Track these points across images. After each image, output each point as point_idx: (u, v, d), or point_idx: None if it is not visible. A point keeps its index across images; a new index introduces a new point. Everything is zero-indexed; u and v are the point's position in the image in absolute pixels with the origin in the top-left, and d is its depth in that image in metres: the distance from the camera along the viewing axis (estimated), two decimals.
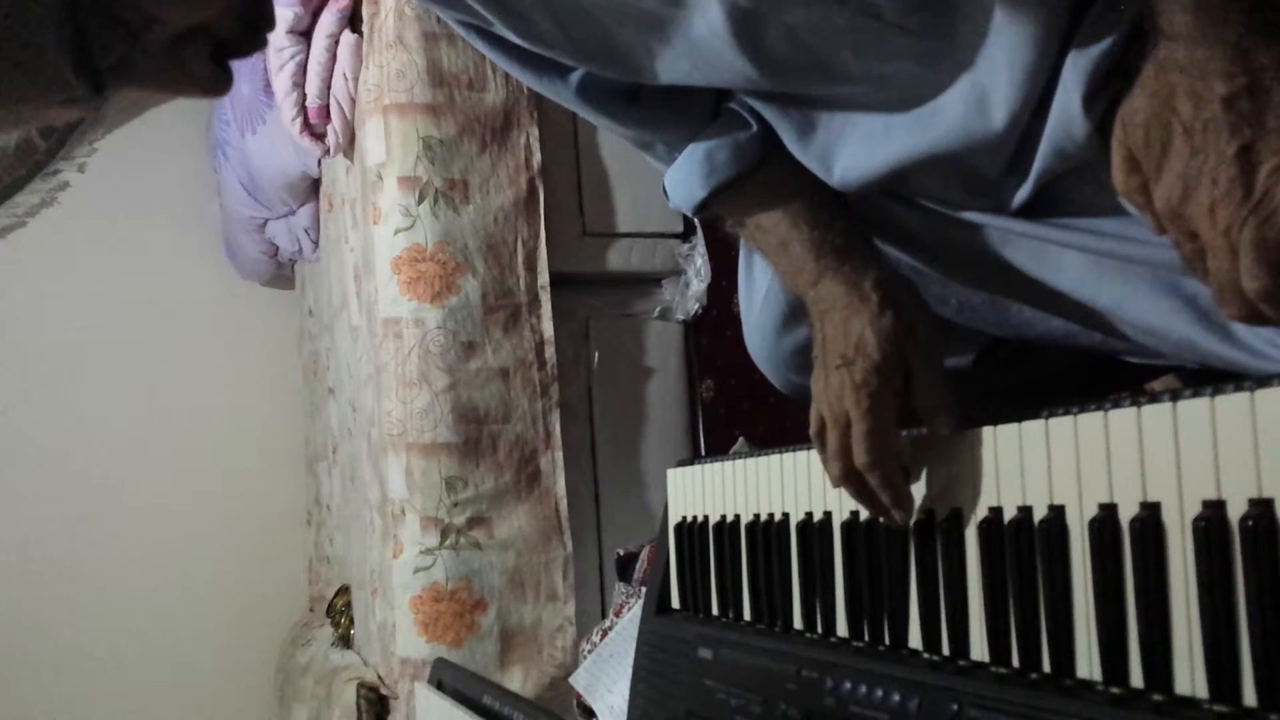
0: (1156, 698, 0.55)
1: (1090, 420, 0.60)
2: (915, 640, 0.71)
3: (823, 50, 0.69)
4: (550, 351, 1.90)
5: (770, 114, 0.79)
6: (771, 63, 0.70)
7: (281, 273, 2.98)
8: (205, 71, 0.56)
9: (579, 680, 1.46)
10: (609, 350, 2.12)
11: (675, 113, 0.83)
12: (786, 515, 0.85)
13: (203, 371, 2.99)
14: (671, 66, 0.74)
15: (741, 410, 2.06)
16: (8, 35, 0.48)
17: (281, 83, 1.98)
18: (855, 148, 0.77)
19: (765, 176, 0.81)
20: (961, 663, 0.68)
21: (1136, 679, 0.56)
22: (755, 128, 0.80)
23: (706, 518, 0.96)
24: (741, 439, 1.99)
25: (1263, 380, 0.52)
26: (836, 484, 0.75)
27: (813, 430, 0.78)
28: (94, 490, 2.86)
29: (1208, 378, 0.69)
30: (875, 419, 0.72)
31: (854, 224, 0.81)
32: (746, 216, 0.82)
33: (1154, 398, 0.57)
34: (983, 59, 0.66)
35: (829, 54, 0.69)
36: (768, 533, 0.87)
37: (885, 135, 0.74)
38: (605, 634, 1.50)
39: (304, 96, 1.98)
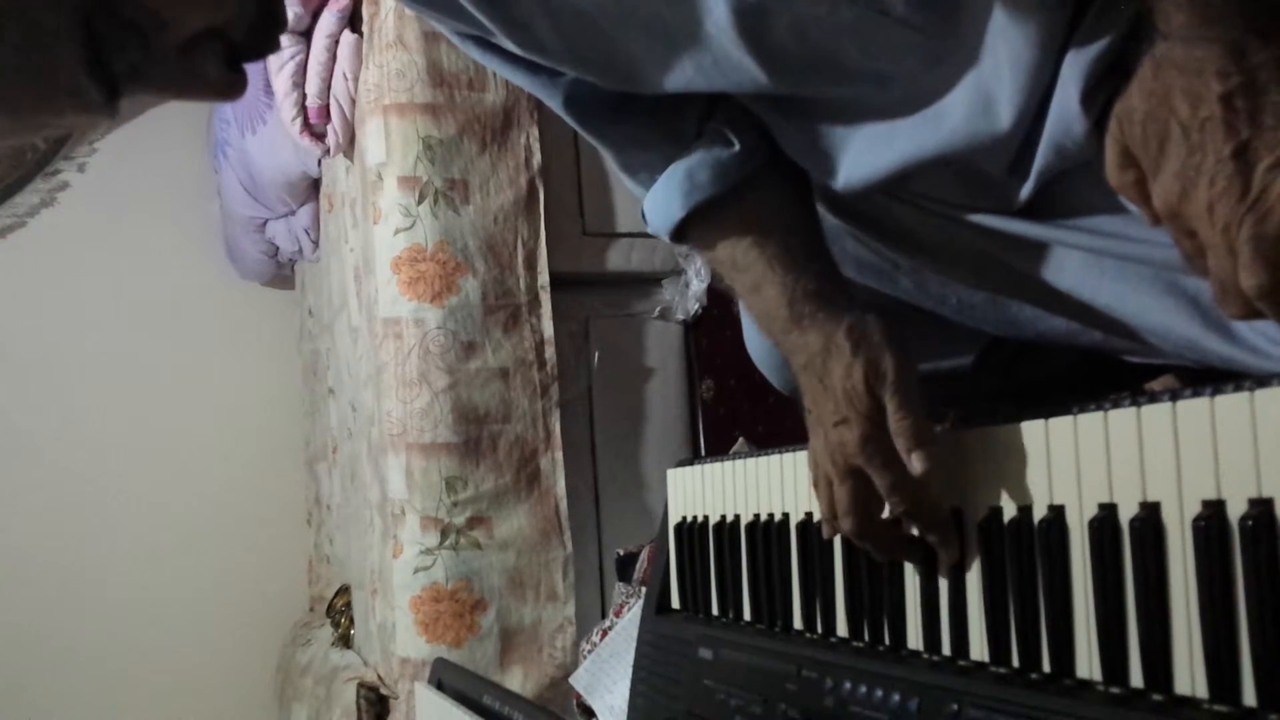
0: (1156, 698, 0.55)
1: (1090, 420, 0.60)
2: (915, 640, 0.71)
3: (829, 46, 0.69)
4: (550, 351, 1.90)
5: (772, 119, 0.79)
6: (777, 60, 0.70)
7: (281, 273, 2.98)
8: (218, 75, 0.56)
9: (579, 680, 1.46)
10: (609, 350, 2.12)
11: (658, 130, 0.82)
12: (786, 515, 0.85)
13: (203, 371, 2.99)
14: (674, 72, 0.73)
15: (741, 410, 2.06)
16: (21, 44, 0.48)
17: (281, 83, 1.98)
18: (859, 150, 0.76)
19: (745, 205, 0.80)
20: (961, 663, 0.68)
21: (1136, 679, 0.56)
22: (738, 147, 0.80)
23: (706, 518, 0.96)
24: (741, 439, 1.99)
25: (1263, 380, 0.52)
26: (849, 536, 0.73)
27: (812, 480, 0.76)
28: (93, 490, 2.86)
29: (1207, 377, 0.69)
30: (895, 468, 0.68)
31: (829, 266, 0.79)
32: (721, 247, 0.81)
33: (1154, 398, 0.57)
34: (987, 59, 0.66)
35: (835, 51, 0.69)
36: (768, 533, 0.87)
37: (889, 137, 0.74)
38: (605, 634, 1.50)
39: (304, 96, 1.98)
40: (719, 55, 0.70)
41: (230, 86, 0.57)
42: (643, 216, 0.85)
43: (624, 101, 0.81)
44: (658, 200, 0.82)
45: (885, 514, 0.71)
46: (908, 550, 0.71)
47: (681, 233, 0.82)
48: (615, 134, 0.83)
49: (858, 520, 0.71)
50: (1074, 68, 0.63)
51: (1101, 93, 0.63)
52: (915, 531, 0.70)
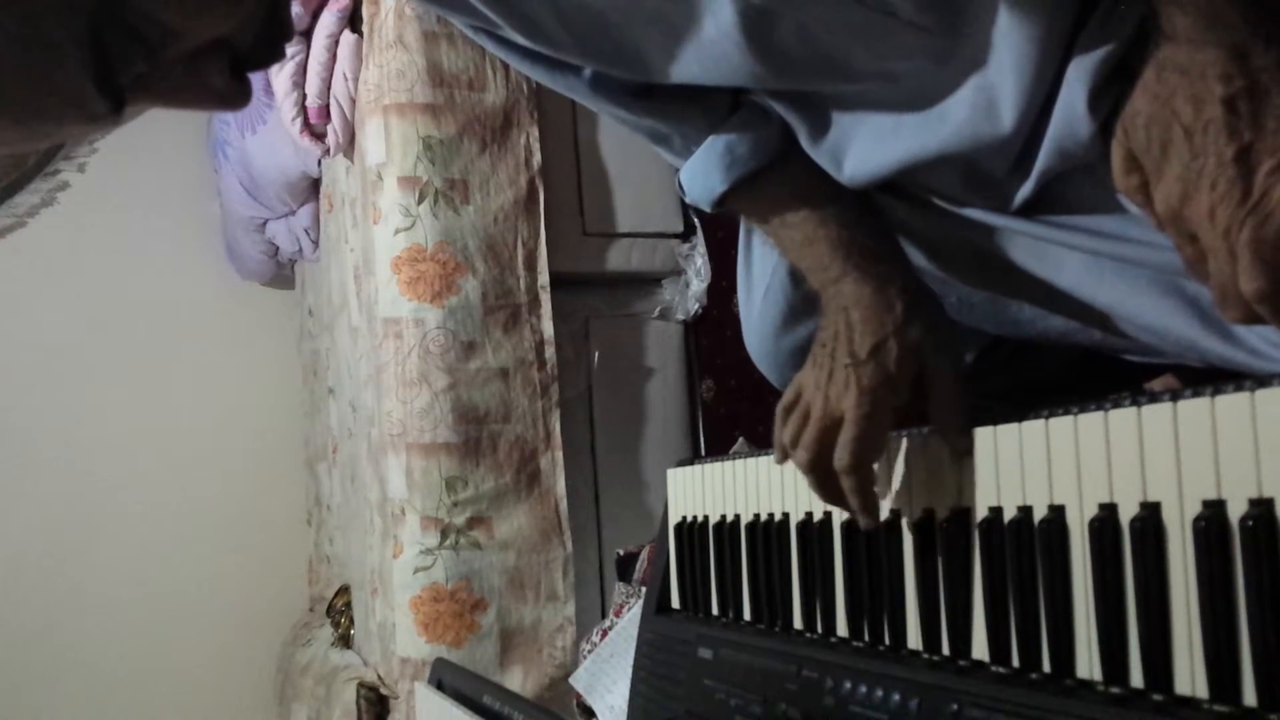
0: (1156, 698, 0.55)
1: (1090, 420, 0.60)
2: (915, 640, 0.71)
3: (835, 48, 0.69)
4: (550, 351, 1.90)
5: (782, 110, 0.79)
6: (782, 61, 0.70)
7: (281, 273, 2.98)
8: (224, 84, 0.56)
9: (579, 680, 1.46)
10: (609, 350, 2.12)
11: (693, 105, 0.82)
12: (786, 515, 0.85)
13: (203, 371, 2.99)
14: (680, 66, 0.73)
15: (741, 410, 2.06)
16: (28, 54, 0.47)
17: (281, 83, 1.98)
18: (864, 145, 0.76)
19: (788, 171, 0.81)
20: (961, 663, 0.68)
21: (1136, 679, 0.56)
22: (776, 120, 0.80)
23: (706, 518, 0.96)
24: (741, 439, 1.99)
25: (1263, 380, 0.52)
26: (800, 466, 0.75)
27: (783, 402, 0.78)
28: (94, 490, 2.86)
29: (1207, 377, 0.69)
30: (870, 426, 0.71)
31: (882, 225, 0.80)
32: (771, 214, 0.82)
33: (1154, 398, 0.57)
34: (992, 60, 0.66)
35: (841, 51, 0.69)
36: (768, 533, 0.87)
37: (894, 134, 0.74)
38: (605, 634, 1.50)
39: (304, 96, 1.98)
40: (720, 55, 0.70)
41: (236, 96, 0.57)
42: (678, 185, 0.86)
43: (650, 84, 0.81)
44: (696, 172, 0.82)
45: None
46: (843, 501, 0.73)
47: (721, 203, 0.83)
48: (647, 112, 0.83)
49: (816, 456, 0.73)
50: (1080, 70, 0.63)
51: (1108, 96, 0.63)
52: (846, 486, 0.72)
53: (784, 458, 0.78)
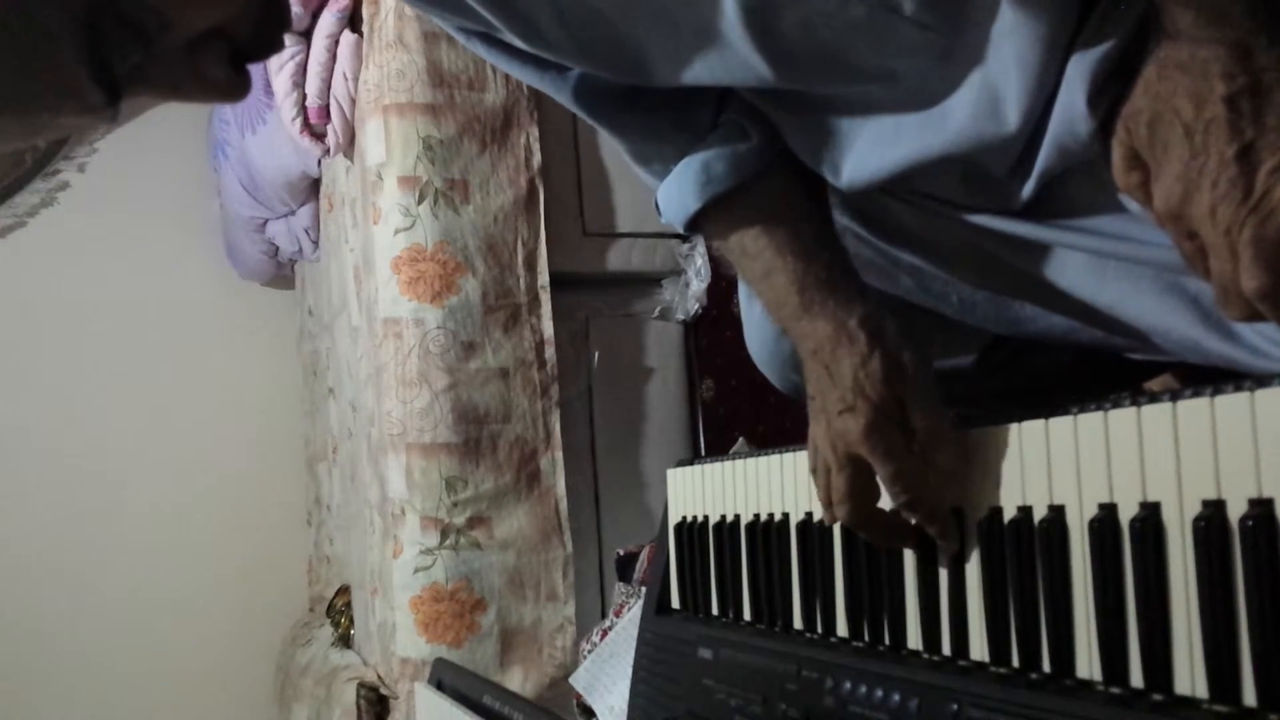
0: (1156, 698, 0.55)
1: (1090, 420, 0.60)
2: (915, 640, 0.71)
3: (837, 44, 0.69)
4: (550, 351, 1.90)
5: (778, 116, 0.79)
6: (784, 58, 0.70)
7: (281, 273, 2.98)
8: (222, 76, 0.55)
9: (579, 680, 1.46)
10: (609, 350, 2.12)
11: (673, 121, 0.81)
12: (786, 515, 0.85)
13: (203, 371, 2.99)
14: (681, 66, 0.73)
15: (741, 410, 2.06)
16: (22, 45, 0.47)
17: (281, 83, 1.98)
18: (864, 149, 0.76)
19: (758, 195, 0.80)
20: (961, 663, 0.68)
21: (1136, 679, 0.56)
22: (755, 140, 0.79)
23: (706, 518, 0.96)
24: (741, 439, 1.99)
25: (1263, 380, 0.52)
26: (844, 523, 0.73)
27: (809, 465, 0.76)
28: (94, 490, 2.86)
29: (1207, 377, 0.69)
30: (897, 459, 0.69)
31: (840, 256, 0.79)
32: (733, 236, 0.81)
33: (1154, 398, 0.57)
34: (993, 59, 0.66)
35: (843, 48, 0.69)
36: (768, 533, 0.87)
37: (894, 136, 0.74)
38: (605, 634, 1.50)
39: (304, 96, 1.98)
40: (724, 51, 0.70)
41: (234, 88, 0.57)
42: (656, 207, 0.85)
43: (634, 94, 0.80)
44: (672, 192, 0.82)
45: (883, 503, 0.72)
46: (903, 538, 0.72)
47: (695, 224, 0.82)
48: (627, 126, 0.83)
49: (854, 507, 0.72)
50: (1080, 68, 0.63)
51: (1107, 93, 0.63)
52: (914, 522, 0.70)
53: (831, 519, 0.75)
